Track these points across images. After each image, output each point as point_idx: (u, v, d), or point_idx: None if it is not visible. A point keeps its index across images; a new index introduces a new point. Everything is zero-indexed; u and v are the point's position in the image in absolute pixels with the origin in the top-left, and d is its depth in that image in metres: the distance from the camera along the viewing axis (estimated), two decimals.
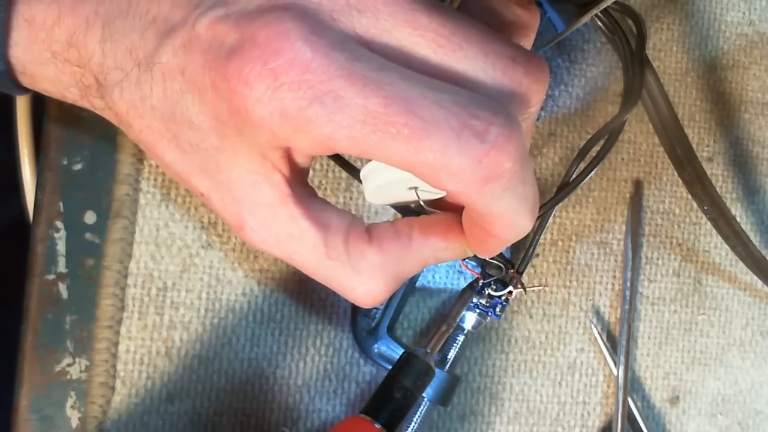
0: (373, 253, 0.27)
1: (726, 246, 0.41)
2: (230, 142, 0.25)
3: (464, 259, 0.36)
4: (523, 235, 0.26)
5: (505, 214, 0.24)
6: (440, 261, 0.29)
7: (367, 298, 0.27)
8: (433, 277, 0.39)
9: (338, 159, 0.33)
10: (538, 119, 0.40)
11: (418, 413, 0.36)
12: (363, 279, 0.27)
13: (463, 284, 0.39)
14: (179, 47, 0.24)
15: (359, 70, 0.22)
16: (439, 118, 0.22)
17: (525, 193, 0.24)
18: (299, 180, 0.27)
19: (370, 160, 0.27)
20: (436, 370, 0.34)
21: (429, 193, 0.27)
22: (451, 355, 0.37)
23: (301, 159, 0.26)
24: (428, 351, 0.35)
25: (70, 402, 0.35)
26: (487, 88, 0.24)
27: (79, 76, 0.26)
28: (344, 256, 0.27)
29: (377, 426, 0.32)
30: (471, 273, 0.37)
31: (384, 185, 0.27)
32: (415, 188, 0.27)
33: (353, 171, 0.33)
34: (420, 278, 0.39)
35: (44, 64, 0.27)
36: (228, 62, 0.23)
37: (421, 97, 0.22)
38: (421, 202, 0.28)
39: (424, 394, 0.35)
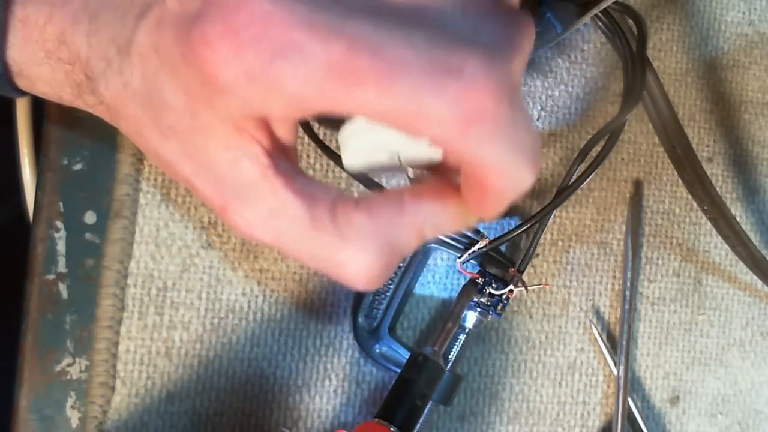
0: (362, 218, 0.25)
1: (726, 246, 0.41)
2: (204, 119, 0.24)
3: (463, 262, 0.36)
4: (524, 189, 0.24)
5: (497, 162, 0.22)
6: (438, 230, 0.27)
7: (361, 274, 0.25)
8: (433, 277, 0.39)
9: (324, 148, 0.33)
10: (538, 119, 0.40)
11: (423, 414, 0.36)
12: (353, 249, 0.25)
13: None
14: (153, 25, 0.23)
15: (321, 18, 0.21)
16: (408, 59, 0.21)
17: (519, 139, 0.22)
18: (282, 154, 0.25)
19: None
20: None
21: (414, 159, 0.25)
22: (453, 354, 0.37)
23: (281, 131, 0.25)
24: (436, 350, 0.35)
25: (70, 402, 0.35)
26: (467, 26, 0.22)
27: (71, 73, 0.26)
28: (330, 225, 0.25)
29: (393, 429, 0.32)
30: (470, 275, 0.37)
31: (363, 148, 0.25)
32: (398, 153, 0.25)
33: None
34: (420, 279, 0.39)
35: (39, 64, 0.26)
36: (192, 29, 0.22)
37: (389, 39, 0.21)
38: (408, 172, 0.26)
39: None
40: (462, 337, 0.37)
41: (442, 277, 0.39)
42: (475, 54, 0.21)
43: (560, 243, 0.40)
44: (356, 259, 0.25)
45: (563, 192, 0.36)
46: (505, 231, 0.36)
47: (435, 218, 0.26)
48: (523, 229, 0.35)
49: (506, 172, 0.23)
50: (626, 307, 0.40)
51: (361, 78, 0.21)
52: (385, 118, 0.21)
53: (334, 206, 0.25)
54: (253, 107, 0.23)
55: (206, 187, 0.25)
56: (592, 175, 0.35)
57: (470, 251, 0.36)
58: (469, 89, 0.21)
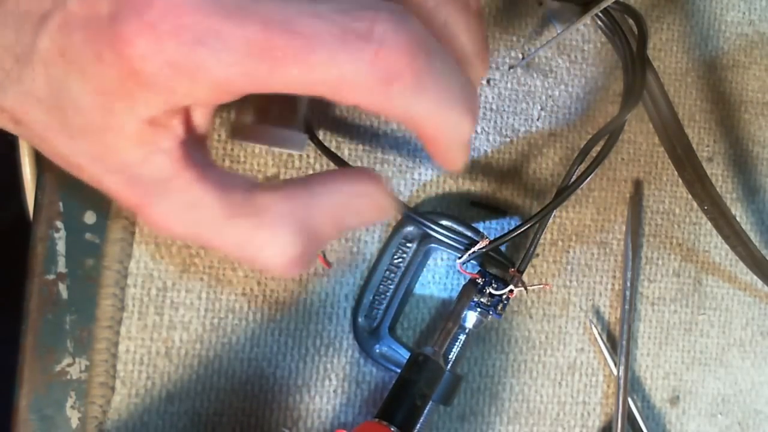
0: (278, 201, 0.25)
1: (726, 246, 0.41)
2: (117, 118, 0.24)
3: (463, 262, 0.36)
4: (467, 133, 0.25)
5: (428, 115, 0.23)
6: (360, 217, 0.27)
7: (278, 257, 0.25)
8: (433, 277, 0.39)
9: (325, 149, 0.33)
10: (538, 119, 0.40)
11: (423, 414, 0.36)
12: (271, 233, 0.25)
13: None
14: (55, 31, 0.23)
15: (232, 2, 0.22)
16: (320, 30, 0.21)
17: (444, 88, 0.23)
18: (196, 145, 0.26)
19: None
20: None
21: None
22: (453, 354, 0.37)
23: (199, 119, 0.25)
24: (436, 349, 0.35)
25: (70, 402, 0.35)
26: None
27: None
28: (247, 210, 0.25)
29: (393, 429, 0.32)
30: (470, 275, 0.37)
31: None
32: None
33: (339, 161, 0.33)
34: (420, 279, 0.39)
35: None
36: (110, 28, 0.22)
37: (299, 14, 0.22)
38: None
39: None
40: (462, 337, 0.37)
41: (442, 277, 0.39)
42: (381, 14, 0.22)
43: (560, 243, 0.40)
44: (274, 243, 0.25)
45: (563, 192, 0.36)
46: (505, 231, 0.36)
47: (352, 199, 0.26)
48: (523, 229, 0.35)
49: (441, 123, 0.24)
50: (626, 307, 0.40)
51: (280, 55, 0.22)
52: (311, 91, 0.22)
53: (251, 192, 0.25)
54: (179, 97, 0.23)
55: (119, 186, 0.25)
56: (592, 175, 0.35)
57: (470, 251, 0.36)
58: (380, 50, 0.21)
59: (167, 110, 0.24)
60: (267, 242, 0.25)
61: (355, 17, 0.22)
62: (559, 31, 0.40)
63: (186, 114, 0.25)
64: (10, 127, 0.26)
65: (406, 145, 0.38)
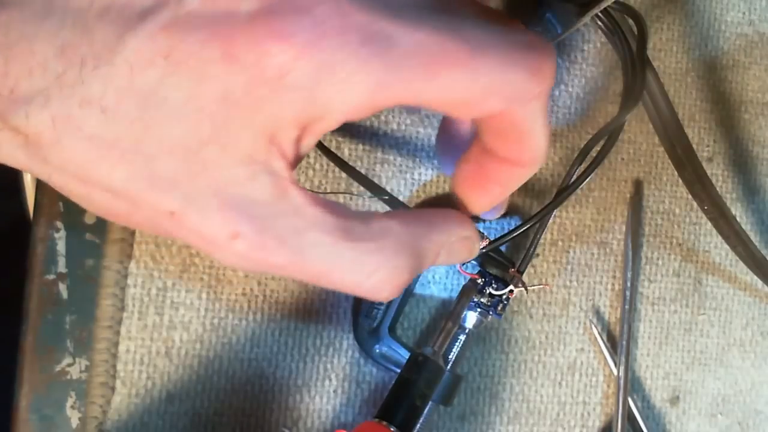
0: (397, 227, 0.25)
1: (726, 246, 0.41)
2: (231, 130, 0.22)
3: (462, 264, 0.36)
4: (541, 164, 0.27)
5: (539, 133, 0.25)
6: (451, 255, 0.28)
7: (389, 281, 0.25)
8: (433, 277, 0.39)
9: (325, 149, 0.33)
10: None
11: (423, 414, 0.36)
12: (386, 257, 0.25)
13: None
14: (159, 30, 0.21)
15: (397, 10, 0.22)
16: (486, 40, 0.23)
17: (547, 118, 0.26)
18: (294, 169, 0.24)
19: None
20: None
21: None
22: (453, 354, 0.37)
23: (310, 140, 0.24)
24: (435, 350, 0.35)
25: (70, 402, 0.35)
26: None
27: None
28: (362, 234, 0.24)
29: (392, 429, 0.32)
30: (469, 276, 0.37)
31: None
32: None
33: (347, 167, 0.33)
34: (420, 279, 0.39)
35: None
36: (252, 26, 0.21)
37: (463, 22, 0.23)
38: None
39: None
40: (462, 337, 0.37)
41: (442, 277, 0.39)
42: (538, 39, 0.24)
43: (560, 243, 0.40)
44: (387, 267, 0.25)
45: (563, 192, 0.36)
46: (505, 231, 0.36)
47: (454, 241, 0.28)
48: (523, 229, 0.35)
49: (540, 144, 0.26)
50: (626, 307, 0.40)
51: (448, 59, 0.22)
52: (465, 95, 0.23)
53: (364, 216, 0.25)
54: (316, 107, 0.22)
55: (204, 215, 0.22)
56: (592, 175, 0.35)
57: None
58: (542, 60, 0.24)
59: (294, 123, 0.22)
60: (380, 266, 0.25)
61: (516, 30, 0.24)
62: (559, 32, 0.40)
63: (303, 132, 0.23)
64: (20, 157, 0.22)
65: (406, 145, 0.38)
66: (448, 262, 0.28)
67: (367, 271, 0.25)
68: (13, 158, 0.23)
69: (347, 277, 0.25)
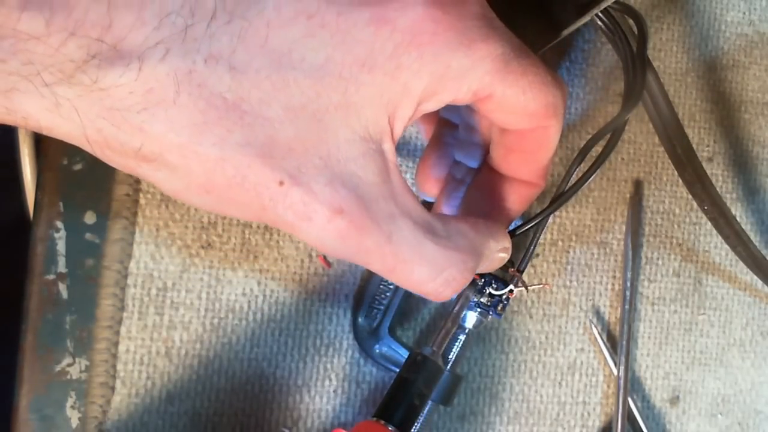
0: (471, 232, 0.26)
1: (726, 246, 0.41)
2: (362, 96, 0.21)
3: None
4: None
5: (552, 150, 0.29)
6: (492, 264, 0.29)
7: (457, 280, 0.25)
8: None
9: None
10: None
11: (422, 414, 0.36)
12: (459, 256, 0.25)
13: None
14: None
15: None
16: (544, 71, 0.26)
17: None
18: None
19: None
20: None
21: None
22: (453, 354, 0.37)
23: (412, 119, 0.23)
24: (435, 349, 0.35)
25: (70, 402, 0.35)
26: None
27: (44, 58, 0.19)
28: (442, 231, 0.24)
29: (391, 429, 0.32)
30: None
31: None
32: None
33: None
34: None
35: None
36: None
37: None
38: None
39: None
40: (462, 337, 0.37)
41: None
42: (556, 75, 0.28)
43: (560, 243, 0.40)
44: (457, 266, 0.25)
45: (564, 193, 0.36)
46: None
47: (499, 256, 0.29)
48: (523, 229, 0.35)
49: (553, 146, 0.30)
50: (626, 307, 0.40)
51: (529, 72, 0.25)
52: (530, 97, 0.25)
53: (443, 217, 0.26)
54: (444, 80, 0.22)
55: (314, 188, 0.21)
56: (593, 176, 0.35)
57: None
58: (564, 89, 0.28)
59: (418, 98, 0.22)
60: (451, 266, 0.25)
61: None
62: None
63: (416, 110, 0.23)
64: (100, 123, 0.20)
65: (406, 146, 0.38)
66: (487, 269, 0.29)
67: (439, 269, 0.24)
68: (72, 125, 0.20)
69: (417, 271, 0.24)
